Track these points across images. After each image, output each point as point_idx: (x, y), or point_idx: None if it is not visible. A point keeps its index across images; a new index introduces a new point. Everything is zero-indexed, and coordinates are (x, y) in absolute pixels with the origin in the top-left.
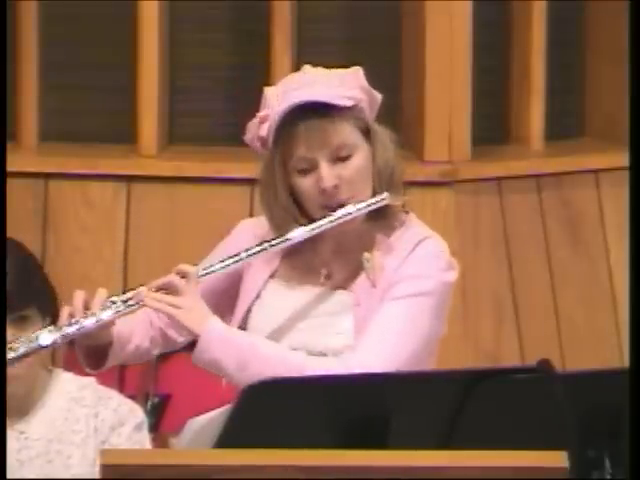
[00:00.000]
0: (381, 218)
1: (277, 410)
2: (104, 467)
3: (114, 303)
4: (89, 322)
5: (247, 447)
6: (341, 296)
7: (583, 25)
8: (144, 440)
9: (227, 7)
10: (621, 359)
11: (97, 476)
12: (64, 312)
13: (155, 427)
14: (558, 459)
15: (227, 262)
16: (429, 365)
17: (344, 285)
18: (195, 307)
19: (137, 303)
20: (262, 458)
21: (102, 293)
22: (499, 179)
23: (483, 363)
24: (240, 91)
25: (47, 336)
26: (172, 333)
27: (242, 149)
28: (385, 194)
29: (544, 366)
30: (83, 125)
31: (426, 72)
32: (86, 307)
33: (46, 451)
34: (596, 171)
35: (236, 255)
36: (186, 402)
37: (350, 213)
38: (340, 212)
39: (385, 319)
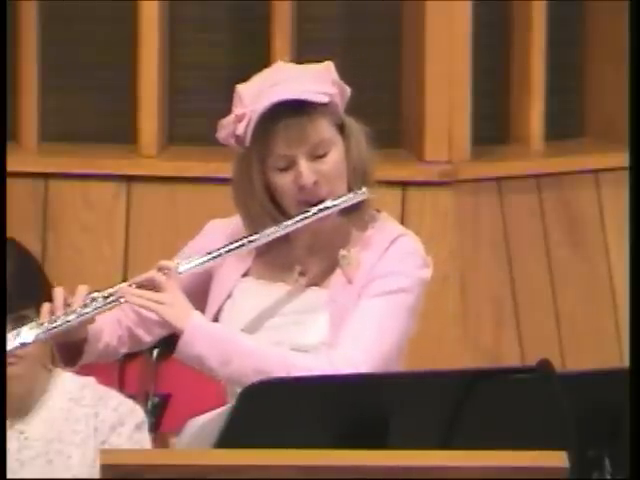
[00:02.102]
0: (355, 213)
1: (277, 410)
2: (104, 467)
3: (94, 300)
4: (70, 318)
5: (247, 447)
6: (315, 293)
7: (583, 25)
8: (144, 440)
9: (227, 7)
10: (621, 359)
11: (97, 476)
12: (44, 309)
13: (155, 427)
14: (558, 459)
15: (205, 258)
16: (399, 363)
17: (319, 282)
18: (177, 302)
19: (118, 299)
20: (262, 458)
21: (82, 289)
22: (499, 179)
23: (483, 363)
24: None
25: (28, 333)
26: (139, 332)
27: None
28: (364, 189)
29: (544, 366)
30: (83, 125)
31: (426, 72)
32: (66, 303)
33: (46, 451)
34: (596, 171)
35: (215, 251)
36: (186, 402)
37: (329, 208)
38: (319, 207)
39: (365, 315)
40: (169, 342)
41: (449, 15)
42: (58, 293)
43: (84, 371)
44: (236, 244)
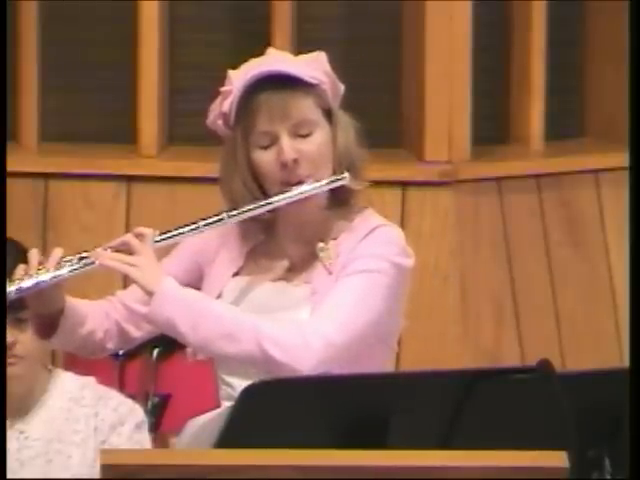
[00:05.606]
0: (341, 205)
1: (277, 410)
2: (104, 467)
3: (69, 262)
4: (43, 277)
5: (247, 447)
6: (300, 288)
7: (583, 25)
8: (144, 440)
9: (227, 7)
10: (621, 359)
11: (97, 476)
12: (19, 269)
13: (155, 427)
14: (558, 459)
15: (184, 230)
16: (385, 357)
17: (304, 276)
18: (150, 266)
19: (92, 262)
20: (262, 458)
21: (57, 252)
22: (499, 179)
23: (483, 363)
24: None
25: None
26: (129, 327)
27: None
28: (346, 174)
29: (544, 366)
30: (83, 125)
31: (426, 72)
32: (41, 266)
33: (46, 451)
34: (596, 171)
35: (193, 223)
36: (186, 402)
37: (309, 190)
38: (299, 189)
39: (339, 291)
40: (169, 342)
41: (449, 15)
42: (33, 255)
43: (84, 371)
44: (214, 218)
